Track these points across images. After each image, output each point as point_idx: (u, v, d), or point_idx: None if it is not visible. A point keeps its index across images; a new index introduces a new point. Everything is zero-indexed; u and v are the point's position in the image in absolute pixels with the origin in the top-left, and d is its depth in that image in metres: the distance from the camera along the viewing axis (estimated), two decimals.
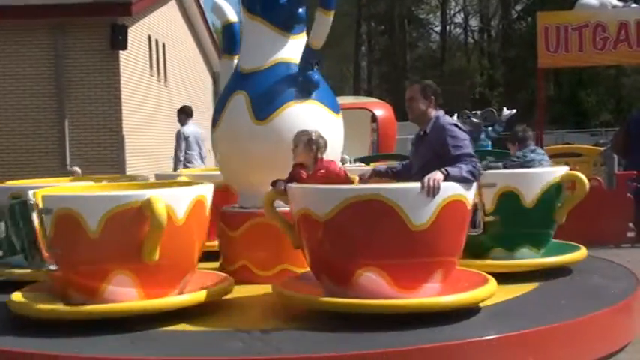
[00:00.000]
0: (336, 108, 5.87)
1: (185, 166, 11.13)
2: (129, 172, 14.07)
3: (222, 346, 4.08)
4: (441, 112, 4.97)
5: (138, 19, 15.84)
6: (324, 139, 5.13)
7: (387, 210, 4.32)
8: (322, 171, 5.04)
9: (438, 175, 4.42)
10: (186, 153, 11.43)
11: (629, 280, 5.56)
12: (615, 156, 11.56)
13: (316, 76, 5.67)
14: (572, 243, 6.15)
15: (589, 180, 9.55)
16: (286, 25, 5.78)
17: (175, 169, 11.13)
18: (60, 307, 4.54)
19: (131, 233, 4.38)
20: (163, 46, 18.44)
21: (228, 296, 5.01)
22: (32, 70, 14.62)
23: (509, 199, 5.59)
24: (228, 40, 6.26)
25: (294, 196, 4.74)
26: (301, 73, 5.64)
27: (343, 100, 11.81)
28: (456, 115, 19.19)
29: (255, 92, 5.65)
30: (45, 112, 14.62)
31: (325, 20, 5.54)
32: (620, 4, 9.79)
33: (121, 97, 14.61)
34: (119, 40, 14.35)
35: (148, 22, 16.84)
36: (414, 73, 49.97)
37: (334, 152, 5.78)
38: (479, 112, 19.19)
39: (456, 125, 4.84)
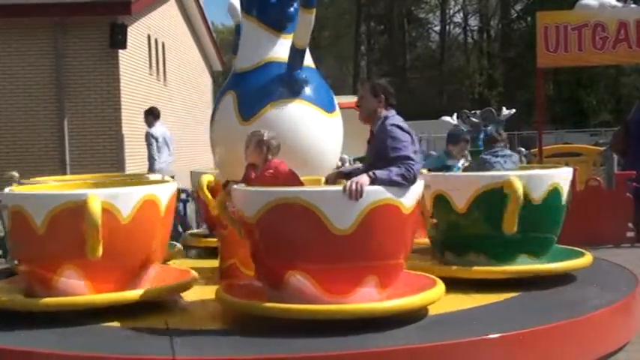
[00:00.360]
0: (329, 107, 5.73)
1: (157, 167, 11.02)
2: (128, 171, 14.06)
3: (131, 345, 4.13)
4: (391, 113, 4.79)
5: (137, 18, 15.83)
6: (277, 139, 5.03)
7: (308, 213, 4.23)
8: (270, 171, 4.90)
9: (362, 179, 4.29)
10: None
11: (628, 280, 5.50)
12: (615, 156, 11.58)
13: (303, 75, 5.59)
14: (578, 249, 5.95)
15: (589, 180, 9.75)
16: (279, 25, 5.74)
17: (151, 169, 11.06)
18: (4, 299, 4.76)
19: (75, 230, 4.51)
20: (163, 45, 18.44)
21: (195, 295, 5.10)
22: (32, 68, 14.61)
23: (441, 203, 5.52)
24: (238, 40, 6.19)
25: (234, 198, 4.74)
26: (287, 73, 5.57)
27: (342, 99, 11.78)
28: (455, 114, 19.21)
29: (242, 92, 5.63)
30: (44, 111, 14.62)
31: (307, 19, 5.44)
32: (620, 4, 9.79)
33: (120, 96, 14.61)
34: (119, 39, 14.34)
35: (147, 21, 16.84)
36: (414, 72, 50.05)
37: (331, 151, 5.74)
38: (478, 111, 19.19)
39: (398, 126, 4.63)
